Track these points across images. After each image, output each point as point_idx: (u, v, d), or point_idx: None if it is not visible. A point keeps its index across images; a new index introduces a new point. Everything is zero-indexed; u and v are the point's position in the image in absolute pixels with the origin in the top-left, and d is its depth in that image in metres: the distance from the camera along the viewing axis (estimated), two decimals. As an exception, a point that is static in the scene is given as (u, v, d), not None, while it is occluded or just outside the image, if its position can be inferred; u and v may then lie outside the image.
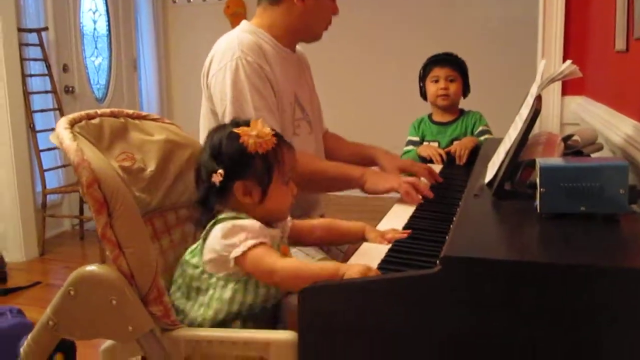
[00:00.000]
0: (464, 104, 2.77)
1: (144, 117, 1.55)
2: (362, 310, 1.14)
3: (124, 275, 1.24)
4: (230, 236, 1.33)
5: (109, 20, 5.60)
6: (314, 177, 1.94)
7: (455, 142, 2.57)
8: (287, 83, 2.02)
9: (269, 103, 1.91)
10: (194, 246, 1.44)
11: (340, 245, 1.89)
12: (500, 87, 4.68)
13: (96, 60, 5.47)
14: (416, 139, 2.73)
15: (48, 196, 4.52)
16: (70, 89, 5.00)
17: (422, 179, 2.07)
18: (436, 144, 2.64)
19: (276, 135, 1.42)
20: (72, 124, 1.33)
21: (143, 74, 6.06)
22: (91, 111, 1.43)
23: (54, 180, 4.66)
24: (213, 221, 1.38)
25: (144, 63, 6.06)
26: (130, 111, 1.53)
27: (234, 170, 1.39)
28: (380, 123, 5.36)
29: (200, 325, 1.36)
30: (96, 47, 5.46)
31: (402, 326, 1.11)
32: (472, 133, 2.64)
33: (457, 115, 2.71)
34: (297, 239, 1.60)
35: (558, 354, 1.04)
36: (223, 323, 1.36)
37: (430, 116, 2.76)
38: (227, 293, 1.36)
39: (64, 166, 4.70)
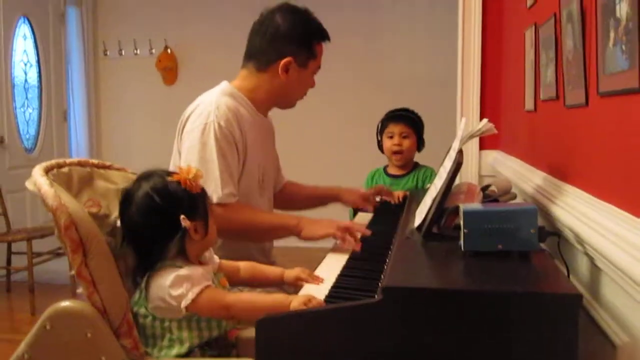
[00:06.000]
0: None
1: (108, 167, 1.68)
2: (314, 338, 1.29)
3: (97, 310, 1.36)
4: (176, 286, 1.44)
5: (40, 71, 5.62)
6: (258, 227, 2.05)
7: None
8: (256, 149, 2.13)
9: (231, 168, 2.01)
10: (136, 297, 1.53)
11: (261, 287, 1.96)
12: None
13: (26, 111, 5.48)
14: None
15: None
16: None
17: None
18: None
19: None
20: (47, 171, 1.45)
21: (73, 125, 6.08)
22: (60, 160, 1.55)
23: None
24: (149, 272, 1.50)
25: (74, 114, 6.08)
26: (95, 161, 1.65)
27: (191, 213, 1.51)
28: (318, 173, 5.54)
29: None
30: (27, 98, 5.47)
31: (349, 350, 1.26)
32: (423, 186, 2.81)
33: (411, 169, 2.91)
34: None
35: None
36: (185, 355, 1.48)
37: (385, 168, 2.97)
38: (184, 333, 1.48)
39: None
